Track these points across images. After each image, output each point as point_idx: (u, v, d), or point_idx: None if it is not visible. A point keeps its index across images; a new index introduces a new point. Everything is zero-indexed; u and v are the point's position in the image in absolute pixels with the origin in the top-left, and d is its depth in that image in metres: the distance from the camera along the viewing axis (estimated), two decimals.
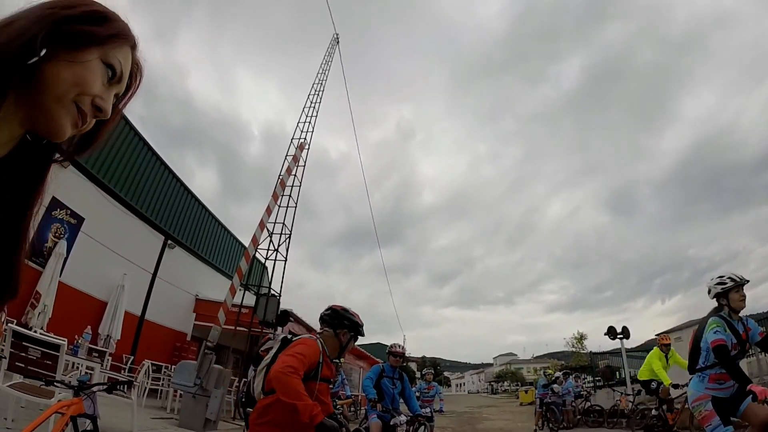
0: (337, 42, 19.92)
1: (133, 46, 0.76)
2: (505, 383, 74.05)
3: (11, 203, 0.67)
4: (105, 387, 3.53)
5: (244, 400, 5.74)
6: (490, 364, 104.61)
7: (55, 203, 9.73)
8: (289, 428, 2.53)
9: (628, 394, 13.15)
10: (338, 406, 7.96)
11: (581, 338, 48.27)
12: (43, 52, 0.62)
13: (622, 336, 16.34)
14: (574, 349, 48.69)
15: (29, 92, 0.63)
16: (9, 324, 4.94)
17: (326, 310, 3.13)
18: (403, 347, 6.30)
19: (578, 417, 14.41)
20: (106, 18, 0.70)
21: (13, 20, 0.61)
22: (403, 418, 5.50)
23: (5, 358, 4.22)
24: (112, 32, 0.70)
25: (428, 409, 8.69)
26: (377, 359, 34.30)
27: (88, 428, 3.22)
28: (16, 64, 0.60)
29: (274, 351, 2.85)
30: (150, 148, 13.36)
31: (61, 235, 9.92)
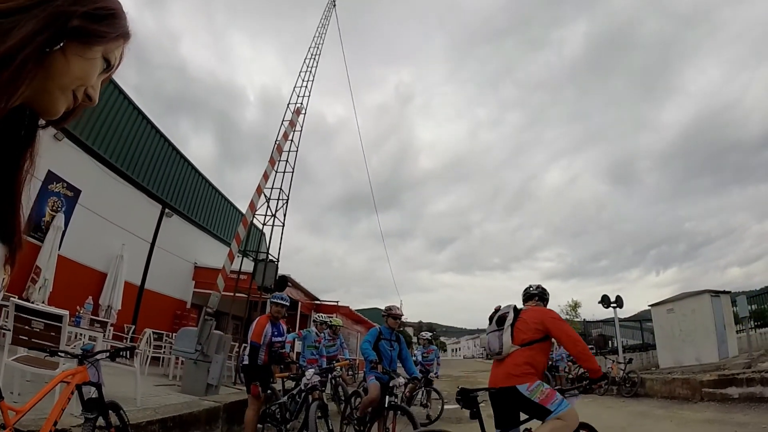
0: (334, 5, 19.39)
1: (128, 41, 0.80)
2: None
3: (7, 163, 0.74)
4: (108, 354, 3.60)
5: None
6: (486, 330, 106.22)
7: (52, 176, 9.64)
8: (535, 372, 3.62)
9: (620, 362, 13.48)
10: (336, 369, 8.15)
11: (575, 306, 49.01)
12: (62, 44, 0.66)
13: (615, 305, 16.58)
14: (568, 317, 49.53)
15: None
16: (11, 298, 4.99)
17: (536, 288, 4.22)
18: (400, 309, 6.40)
19: (570, 383, 14.81)
20: (115, 16, 0.75)
21: (34, 4, 0.63)
22: (401, 380, 5.63)
23: (9, 331, 4.29)
24: (119, 32, 0.76)
25: (435, 373, 8.90)
26: (374, 323, 34.86)
27: (93, 396, 3.29)
28: (40, 52, 0.65)
29: (512, 315, 3.89)
30: (145, 117, 13.16)
31: (59, 209, 9.88)
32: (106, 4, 0.73)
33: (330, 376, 7.48)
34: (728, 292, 14.78)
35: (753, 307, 15.18)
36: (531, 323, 3.75)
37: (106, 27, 0.72)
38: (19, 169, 0.75)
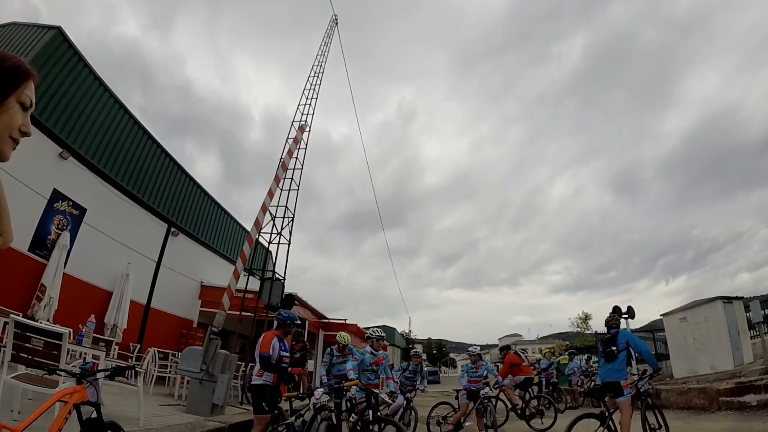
0: (336, 23, 19.61)
1: (35, 78, 0.95)
2: None
3: None
4: (107, 374, 3.51)
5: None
6: (495, 345, 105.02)
7: (57, 195, 9.72)
8: None
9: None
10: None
11: (586, 318, 48.28)
12: None
13: (627, 316, 16.23)
14: (578, 330, 48.81)
15: None
16: (12, 315, 4.96)
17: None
18: None
19: (582, 396, 14.47)
20: (18, 68, 0.89)
21: None
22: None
23: (5, 348, 4.24)
24: (22, 79, 0.90)
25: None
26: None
27: (92, 416, 3.21)
28: None
29: None
30: (150, 137, 13.30)
31: (64, 227, 9.93)
32: (10, 63, 0.87)
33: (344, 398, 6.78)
34: (741, 298, 14.51)
35: (766, 311, 14.87)
36: None
37: (10, 83, 0.87)
38: None
